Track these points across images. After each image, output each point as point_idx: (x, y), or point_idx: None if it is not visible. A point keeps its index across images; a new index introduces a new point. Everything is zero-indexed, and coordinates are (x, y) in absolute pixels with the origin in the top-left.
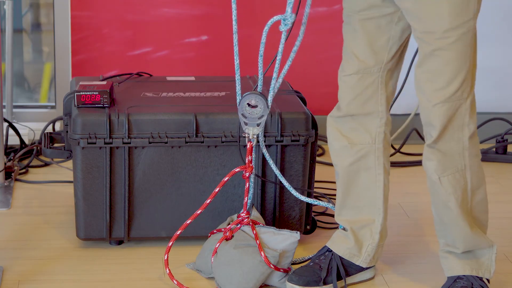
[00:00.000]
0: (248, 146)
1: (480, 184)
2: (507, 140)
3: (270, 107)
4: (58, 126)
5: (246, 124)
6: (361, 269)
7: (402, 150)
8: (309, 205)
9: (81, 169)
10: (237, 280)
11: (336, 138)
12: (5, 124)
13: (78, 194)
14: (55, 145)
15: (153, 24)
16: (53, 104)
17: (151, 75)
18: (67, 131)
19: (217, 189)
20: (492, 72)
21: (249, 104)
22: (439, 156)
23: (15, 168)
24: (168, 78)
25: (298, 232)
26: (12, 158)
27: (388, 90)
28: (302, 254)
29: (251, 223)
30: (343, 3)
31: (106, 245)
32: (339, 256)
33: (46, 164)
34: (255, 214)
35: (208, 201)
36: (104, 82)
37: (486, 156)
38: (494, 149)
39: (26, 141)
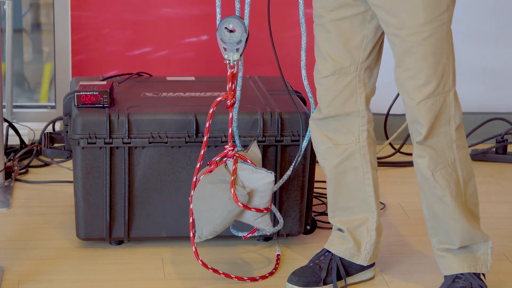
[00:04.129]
0: (228, 73)
1: (470, 176)
2: (507, 140)
3: (248, 31)
4: (58, 126)
5: (225, 49)
6: (361, 269)
7: (402, 150)
8: (309, 205)
9: (81, 169)
10: (205, 215)
11: (321, 141)
12: (5, 124)
13: (78, 194)
14: (55, 145)
15: (153, 24)
16: (53, 104)
17: (151, 75)
18: (67, 131)
19: (205, 138)
20: (492, 72)
21: (227, 29)
22: (430, 152)
23: (15, 168)
24: (168, 78)
25: (273, 173)
26: (12, 158)
27: (368, 88)
28: (302, 253)
29: (235, 157)
30: (313, 3)
31: (106, 245)
32: (339, 257)
33: (46, 164)
34: (254, 149)
35: (198, 165)
36: (104, 82)
37: (486, 156)
38: (494, 149)
39: (26, 141)
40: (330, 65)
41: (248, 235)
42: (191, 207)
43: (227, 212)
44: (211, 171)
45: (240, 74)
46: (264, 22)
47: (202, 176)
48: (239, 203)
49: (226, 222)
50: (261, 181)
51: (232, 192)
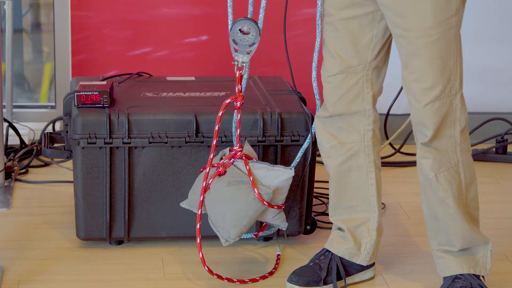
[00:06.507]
0: (237, 75)
1: (472, 180)
2: (507, 140)
3: (260, 33)
4: (58, 126)
5: (236, 50)
6: (361, 269)
7: (402, 150)
8: (309, 205)
9: (81, 169)
10: (229, 218)
11: (326, 139)
12: (5, 124)
13: (78, 194)
14: (55, 145)
15: (153, 24)
16: (53, 104)
17: (151, 75)
18: (67, 131)
19: (214, 141)
20: (492, 72)
21: (241, 31)
22: (434, 154)
23: (15, 168)
24: (168, 78)
25: (293, 168)
26: (12, 158)
27: (375, 88)
28: (302, 253)
29: (244, 158)
30: (324, 1)
31: (106, 245)
32: (339, 256)
33: (46, 164)
34: (248, 148)
35: (208, 169)
36: (104, 82)
37: (486, 156)
38: (494, 149)
39: (26, 141)
40: (338, 64)
41: (259, 233)
42: (199, 212)
43: (253, 212)
44: (220, 174)
45: (245, 76)
46: (264, 23)
47: (211, 180)
48: (264, 202)
49: (252, 222)
50: (280, 178)
51: (256, 192)
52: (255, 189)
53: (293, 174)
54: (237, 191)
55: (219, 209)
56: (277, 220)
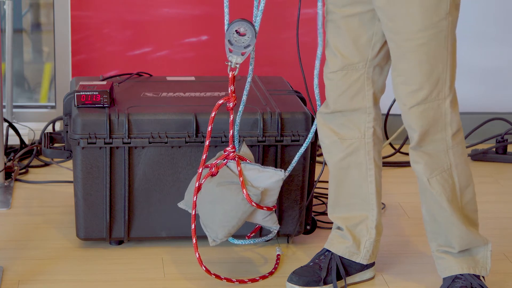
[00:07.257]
0: (230, 76)
1: (468, 183)
2: (507, 140)
3: (256, 36)
4: (58, 126)
5: (230, 51)
6: (361, 268)
7: (402, 150)
8: (309, 205)
9: (81, 169)
10: (219, 218)
11: (326, 135)
12: (5, 124)
13: (78, 194)
14: (55, 145)
15: (153, 24)
16: (53, 104)
17: (151, 75)
18: (67, 131)
19: (207, 142)
20: (492, 72)
21: (237, 32)
22: (425, 158)
23: (15, 168)
24: (168, 78)
25: (283, 170)
26: (12, 158)
27: (376, 85)
28: (302, 253)
29: (236, 159)
30: (326, 0)
31: (106, 245)
32: (339, 256)
33: (46, 164)
34: (245, 150)
35: (200, 170)
36: (104, 82)
37: (486, 156)
38: (494, 149)
39: (26, 141)
40: (339, 61)
41: (252, 234)
42: (193, 213)
43: (242, 213)
44: (212, 174)
45: (249, 79)
46: (264, 23)
47: (203, 180)
48: (252, 203)
49: (240, 223)
50: (270, 180)
51: (245, 193)
52: (244, 190)
53: (283, 176)
54: (227, 191)
55: (209, 209)
56: (268, 221)
